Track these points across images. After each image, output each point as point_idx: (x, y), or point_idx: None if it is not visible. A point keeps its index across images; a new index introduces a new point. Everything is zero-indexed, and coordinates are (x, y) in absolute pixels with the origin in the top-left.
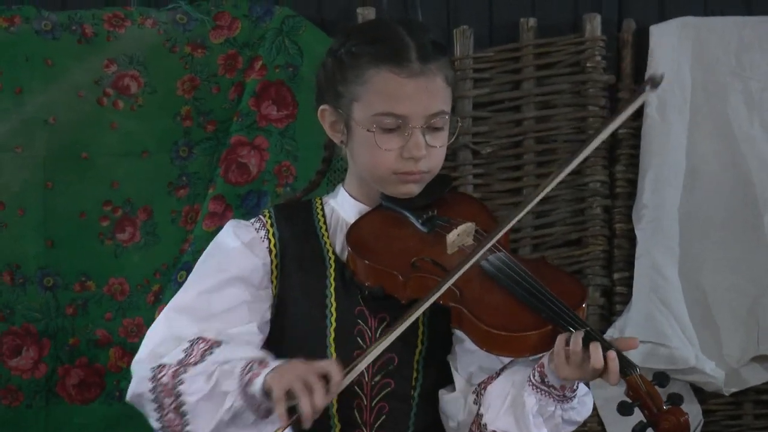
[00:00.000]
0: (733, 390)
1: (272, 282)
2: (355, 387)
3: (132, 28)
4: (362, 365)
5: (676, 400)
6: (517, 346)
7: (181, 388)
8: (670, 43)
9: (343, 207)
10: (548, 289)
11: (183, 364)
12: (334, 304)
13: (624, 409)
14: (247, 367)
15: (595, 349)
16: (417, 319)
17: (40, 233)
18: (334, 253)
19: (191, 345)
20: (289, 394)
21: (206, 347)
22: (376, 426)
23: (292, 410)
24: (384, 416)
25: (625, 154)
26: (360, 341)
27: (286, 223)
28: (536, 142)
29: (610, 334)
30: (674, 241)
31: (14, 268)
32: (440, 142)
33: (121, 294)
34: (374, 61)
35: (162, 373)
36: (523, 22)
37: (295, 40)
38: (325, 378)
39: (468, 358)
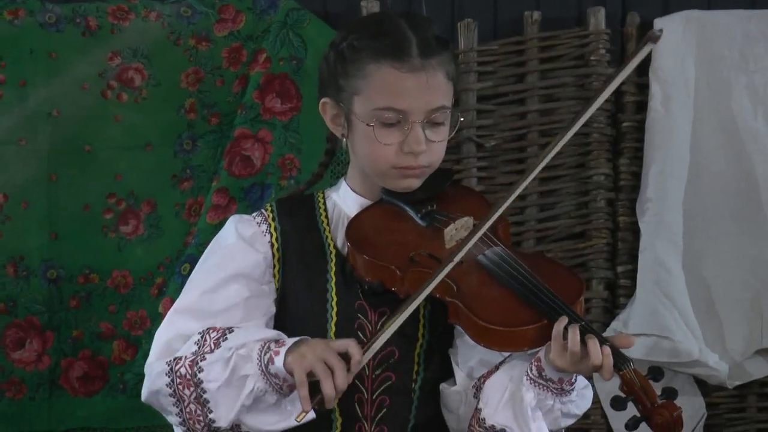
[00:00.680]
0: (737, 383)
1: (274, 276)
2: (356, 381)
3: (136, 21)
4: (379, 343)
5: (670, 394)
6: (513, 341)
7: (201, 376)
8: (674, 37)
9: (344, 201)
10: (545, 283)
11: (198, 354)
12: (335, 299)
13: (617, 404)
14: (265, 348)
15: (593, 344)
16: (417, 313)
17: (43, 226)
18: (335, 247)
19: (202, 336)
20: (310, 375)
21: (219, 335)
22: (377, 419)
23: (313, 389)
24: (385, 410)
25: (629, 147)
26: (360, 335)
27: (288, 217)
28: (540, 135)
29: (614, 327)
30: (678, 235)
31: (18, 260)
32: (440, 136)
33: (124, 287)
34: (375, 55)
35: (179, 365)
36: (528, 16)
37: (299, 33)
38: (345, 357)
39: (469, 351)
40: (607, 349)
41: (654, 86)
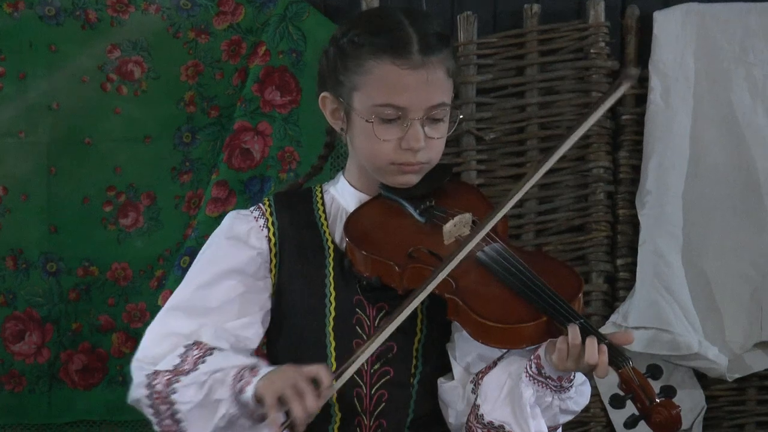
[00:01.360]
0: (737, 376)
1: (271, 271)
2: (355, 375)
3: (136, 14)
4: (353, 368)
5: (668, 392)
6: (511, 338)
7: (174, 397)
8: (674, 30)
9: (342, 195)
10: (544, 280)
11: (176, 372)
12: (333, 294)
13: (616, 402)
14: (239, 375)
15: (591, 343)
16: (416, 308)
17: (43, 219)
18: (333, 242)
19: (186, 351)
20: (281, 400)
21: (200, 354)
22: (375, 413)
23: (287, 415)
24: (384, 404)
25: (628, 140)
26: (359, 330)
27: (286, 211)
28: (540, 128)
29: (614, 320)
30: (677, 227)
31: (17, 253)
32: (440, 133)
33: (124, 279)
34: (375, 51)
35: (156, 381)
36: (527, 8)
37: (298, 25)
38: (315, 382)
39: (467, 346)
40: (603, 347)
41: (653, 79)
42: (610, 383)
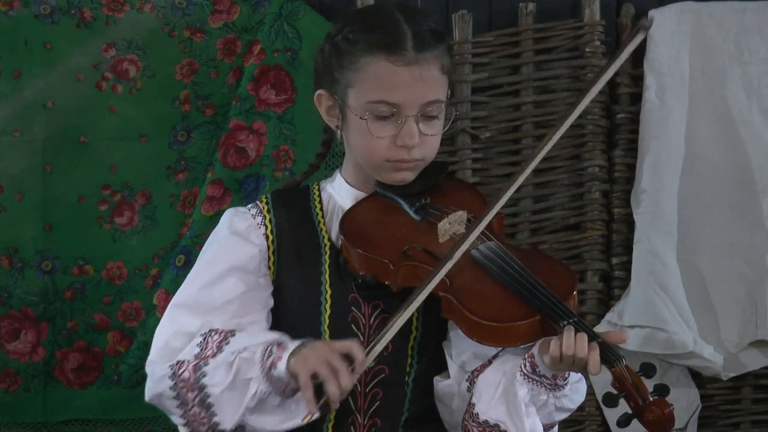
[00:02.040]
0: (732, 375)
1: (270, 268)
2: None
3: (131, 13)
4: (382, 344)
5: (662, 391)
6: (506, 336)
7: (204, 380)
8: (670, 28)
9: (339, 193)
10: (538, 278)
11: (201, 358)
12: (329, 291)
13: (609, 401)
14: (267, 351)
15: (581, 339)
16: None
17: (38, 217)
18: (329, 239)
19: (204, 338)
20: (314, 377)
21: (221, 338)
22: (370, 412)
23: (317, 392)
24: (378, 402)
25: (623, 138)
26: (354, 328)
27: (283, 209)
28: (535, 126)
29: (609, 318)
30: (673, 226)
31: (12, 251)
32: (434, 130)
33: (119, 278)
34: (369, 48)
35: (182, 369)
36: (522, 7)
37: (293, 24)
38: (348, 358)
39: (462, 344)
40: (594, 344)
41: (649, 77)
42: (604, 382)
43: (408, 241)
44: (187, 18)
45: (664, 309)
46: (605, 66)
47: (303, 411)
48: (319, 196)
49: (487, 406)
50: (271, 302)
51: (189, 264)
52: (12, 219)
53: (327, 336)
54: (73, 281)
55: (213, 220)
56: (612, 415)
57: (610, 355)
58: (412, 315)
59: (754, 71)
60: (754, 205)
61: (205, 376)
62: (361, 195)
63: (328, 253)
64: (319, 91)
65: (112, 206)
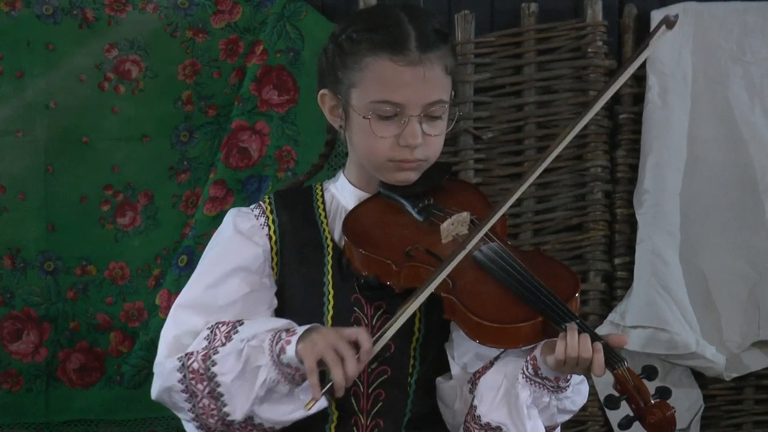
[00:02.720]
0: (734, 375)
1: (273, 269)
2: None
3: (133, 13)
4: (389, 334)
5: (663, 393)
6: (507, 338)
7: (215, 369)
8: (672, 29)
9: (342, 193)
10: (540, 280)
11: (211, 348)
12: (332, 292)
13: (611, 403)
14: (276, 337)
15: (584, 340)
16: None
17: (40, 217)
18: (332, 240)
19: (211, 331)
20: (321, 363)
21: (229, 328)
22: (372, 413)
23: (323, 377)
24: (381, 403)
25: (626, 139)
26: None
27: (286, 209)
28: (537, 127)
29: (611, 319)
30: (675, 226)
31: (15, 252)
32: (438, 130)
33: (121, 278)
34: (373, 48)
35: (191, 360)
36: (525, 7)
37: (296, 24)
38: (355, 345)
39: (464, 345)
40: (599, 345)
41: (651, 78)
42: (606, 383)
43: (411, 242)
44: (190, 18)
45: (667, 309)
46: (629, 59)
47: (309, 398)
48: (322, 196)
49: (489, 408)
50: (275, 302)
51: (191, 264)
52: (14, 219)
53: None
54: (76, 281)
55: (215, 221)
56: (615, 416)
57: (612, 357)
58: (415, 316)
59: (756, 72)
60: (756, 206)
61: (215, 364)
62: (364, 195)
63: (330, 254)
64: (322, 91)
65: (114, 206)
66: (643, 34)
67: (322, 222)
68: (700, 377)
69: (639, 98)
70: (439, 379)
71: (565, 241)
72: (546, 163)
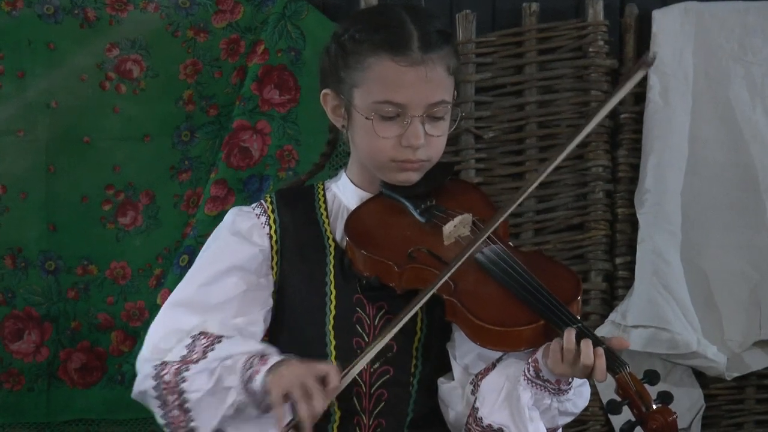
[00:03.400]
0: (735, 375)
1: (272, 268)
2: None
3: (134, 12)
4: (358, 367)
5: (665, 398)
6: (509, 341)
7: (184, 385)
8: (673, 28)
9: (344, 193)
10: (542, 283)
11: (185, 362)
12: (333, 292)
13: (613, 408)
14: (248, 363)
15: (586, 345)
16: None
17: (42, 217)
18: (334, 240)
19: (193, 341)
20: (287, 398)
21: (208, 343)
22: (375, 413)
23: (292, 410)
24: (383, 403)
25: (627, 138)
26: (359, 329)
27: (288, 209)
28: (539, 126)
29: (612, 318)
30: (676, 226)
31: (16, 251)
32: (440, 131)
33: (122, 278)
34: (375, 48)
35: (165, 371)
36: (526, 7)
37: (297, 24)
38: (323, 381)
39: (466, 346)
40: (600, 350)
41: (652, 77)
42: (608, 385)
43: (413, 244)
44: (191, 18)
45: (668, 309)
46: (605, 100)
47: (275, 429)
48: (324, 195)
49: (491, 410)
50: (270, 303)
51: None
52: (15, 219)
53: (332, 337)
54: (77, 281)
55: (217, 220)
56: (616, 422)
57: (613, 361)
58: (417, 316)
59: (758, 71)
60: (758, 205)
61: (184, 381)
62: (366, 195)
63: (332, 254)
64: (324, 91)
65: (115, 206)
66: (645, 34)
67: (323, 221)
68: (701, 377)
69: (640, 98)
70: (440, 380)
71: (566, 240)
72: (542, 177)
